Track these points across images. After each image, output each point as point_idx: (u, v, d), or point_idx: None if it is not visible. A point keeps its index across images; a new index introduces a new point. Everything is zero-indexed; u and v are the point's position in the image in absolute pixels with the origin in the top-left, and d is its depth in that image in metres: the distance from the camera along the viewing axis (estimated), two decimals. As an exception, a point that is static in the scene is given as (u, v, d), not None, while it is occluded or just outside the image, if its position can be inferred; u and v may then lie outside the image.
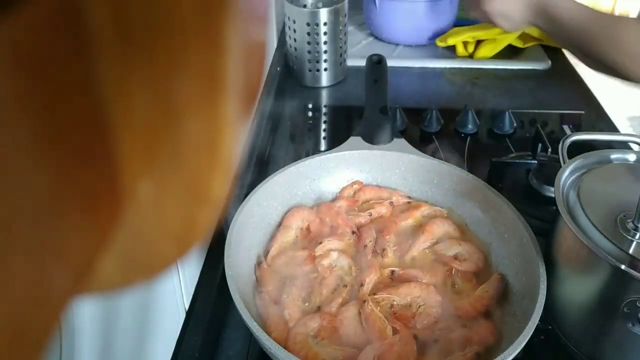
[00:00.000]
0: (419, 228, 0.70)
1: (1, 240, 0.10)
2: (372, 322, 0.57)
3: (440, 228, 0.70)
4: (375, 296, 0.60)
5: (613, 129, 1.00)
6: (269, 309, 0.59)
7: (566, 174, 0.62)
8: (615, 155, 0.65)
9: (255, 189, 0.68)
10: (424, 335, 0.58)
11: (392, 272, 0.64)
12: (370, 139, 0.77)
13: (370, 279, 0.62)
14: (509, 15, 0.90)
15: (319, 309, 0.60)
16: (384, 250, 0.66)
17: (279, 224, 0.70)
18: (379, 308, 0.58)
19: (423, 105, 1.02)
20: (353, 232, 0.69)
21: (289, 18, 1.06)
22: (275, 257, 0.66)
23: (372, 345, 0.55)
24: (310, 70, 1.10)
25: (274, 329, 0.57)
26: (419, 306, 0.60)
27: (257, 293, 0.61)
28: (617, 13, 2.99)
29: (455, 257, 0.66)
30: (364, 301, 0.59)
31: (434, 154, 0.78)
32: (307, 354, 0.54)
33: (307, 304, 0.60)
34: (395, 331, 0.56)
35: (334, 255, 0.65)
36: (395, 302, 0.60)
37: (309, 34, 1.05)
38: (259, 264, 0.65)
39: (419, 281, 0.62)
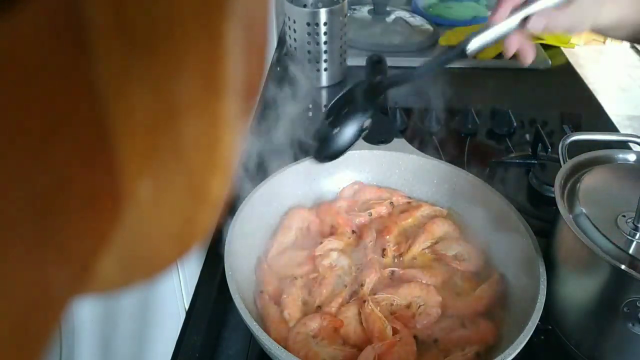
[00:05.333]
0: (418, 228, 0.70)
1: (1, 240, 0.10)
2: (372, 322, 0.57)
3: (440, 228, 0.70)
4: (376, 296, 0.60)
5: (613, 129, 1.00)
6: (269, 309, 0.59)
7: (566, 174, 0.62)
8: (615, 155, 0.65)
9: (255, 189, 0.68)
10: (424, 335, 0.58)
11: (392, 272, 0.64)
12: (370, 139, 0.77)
13: (371, 279, 0.62)
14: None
15: (318, 308, 0.60)
16: (384, 250, 0.66)
17: (279, 224, 0.70)
18: (379, 308, 0.58)
19: (423, 105, 1.02)
20: (353, 232, 0.69)
21: (289, 18, 1.06)
22: (275, 257, 0.66)
23: (373, 345, 0.55)
24: (310, 71, 1.10)
25: (274, 329, 0.57)
26: (419, 306, 0.60)
27: (257, 293, 0.61)
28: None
29: (455, 257, 0.66)
30: (364, 301, 0.59)
31: (434, 154, 0.78)
32: (307, 354, 0.54)
33: (307, 304, 0.60)
34: (395, 331, 0.56)
35: (334, 255, 0.65)
36: (395, 302, 0.60)
37: (309, 34, 1.05)
38: (259, 264, 0.64)
39: (419, 281, 0.62)
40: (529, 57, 0.64)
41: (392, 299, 0.60)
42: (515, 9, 0.59)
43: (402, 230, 0.70)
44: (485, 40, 0.59)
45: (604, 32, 0.69)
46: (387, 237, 0.68)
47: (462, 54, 0.59)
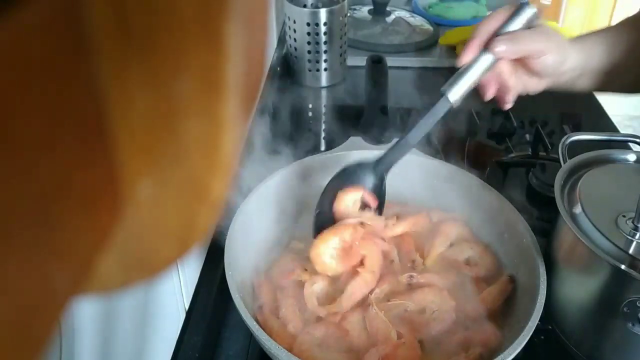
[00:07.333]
0: (430, 232, 0.68)
1: (1, 240, 0.10)
2: (376, 325, 0.57)
3: (453, 230, 0.69)
4: (389, 303, 0.59)
5: (613, 129, 1.00)
6: (272, 323, 0.57)
7: (566, 174, 0.62)
8: (615, 155, 0.65)
9: (255, 189, 0.68)
10: (428, 338, 0.57)
11: (411, 276, 0.63)
12: (370, 139, 0.77)
13: (382, 289, 0.61)
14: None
15: (319, 318, 0.59)
16: (413, 261, 0.65)
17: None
18: (383, 312, 0.58)
19: (423, 105, 1.02)
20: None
21: (289, 18, 1.06)
22: (271, 266, 0.65)
23: (376, 347, 0.55)
24: (310, 70, 1.10)
25: (281, 341, 0.55)
26: (433, 311, 0.59)
27: (256, 308, 0.60)
28: (615, 16, 2.98)
29: (467, 262, 0.66)
30: (369, 304, 0.58)
31: (434, 154, 0.78)
32: None
33: (303, 311, 0.59)
34: (400, 335, 0.56)
35: (317, 288, 0.62)
36: (409, 308, 0.59)
37: (309, 34, 1.05)
38: (256, 276, 0.63)
39: (433, 286, 0.62)
40: (505, 105, 0.64)
41: (405, 304, 0.59)
42: (485, 48, 0.59)
43: (415, 237, 0.69)
44: (464, 86, 0.58)
45: (568, 81, 0.67)
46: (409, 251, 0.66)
47: (449, 108, 0.58)
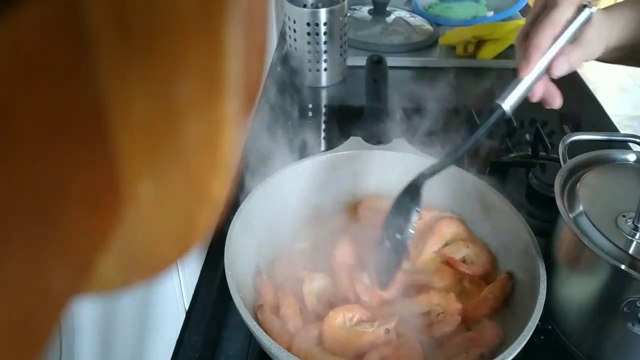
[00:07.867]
0: (427, 231, 0.68)
1: (2, 240, 0.10)
2: (377, 326, 0.57)
3: (449, 229, 0.69)
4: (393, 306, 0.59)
5: (613, 129, 1.00)
6: (272, 323, 0.57)
7: (566, 174, 0.62)
8: (615, 155, 0.65)
9: (255, 189, 0.68)
10: (428, 339, 0.57)
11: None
12: (370, 139, 0.77)
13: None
14: None
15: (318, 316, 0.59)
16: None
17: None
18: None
19: (423, 105, 1.02)
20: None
21: (289, 18, 1.06)
22: (272, 266, 0.65)
23: (377, 347, 0.55)
24: (310, 70, 1.10)
25: (280, 342, 0.55)
26: (438, 314, 0.59)
27: (257, 307, 0.59)
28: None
29: (464, 261, 0.66)
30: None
31: (434, 154, 0.77)
32: None
33: (304, 312, 0.59)
34: (400, 335, 0.56)
35: (316, 285, 0.62)
36: (413, 310, 0.59)
37: (309, 34, 1.05)
38: (257, 274, 0.63)
39: (436, 288, 0.62)
40: (556, 101, 0.63)
41: (409, 306, 0.59)
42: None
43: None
44: (518, 95, 0.59)
45: (609, 55, 0.67)
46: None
47: (501, 116, 0.58)
